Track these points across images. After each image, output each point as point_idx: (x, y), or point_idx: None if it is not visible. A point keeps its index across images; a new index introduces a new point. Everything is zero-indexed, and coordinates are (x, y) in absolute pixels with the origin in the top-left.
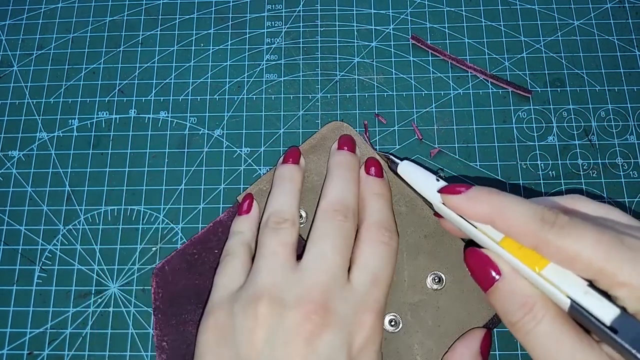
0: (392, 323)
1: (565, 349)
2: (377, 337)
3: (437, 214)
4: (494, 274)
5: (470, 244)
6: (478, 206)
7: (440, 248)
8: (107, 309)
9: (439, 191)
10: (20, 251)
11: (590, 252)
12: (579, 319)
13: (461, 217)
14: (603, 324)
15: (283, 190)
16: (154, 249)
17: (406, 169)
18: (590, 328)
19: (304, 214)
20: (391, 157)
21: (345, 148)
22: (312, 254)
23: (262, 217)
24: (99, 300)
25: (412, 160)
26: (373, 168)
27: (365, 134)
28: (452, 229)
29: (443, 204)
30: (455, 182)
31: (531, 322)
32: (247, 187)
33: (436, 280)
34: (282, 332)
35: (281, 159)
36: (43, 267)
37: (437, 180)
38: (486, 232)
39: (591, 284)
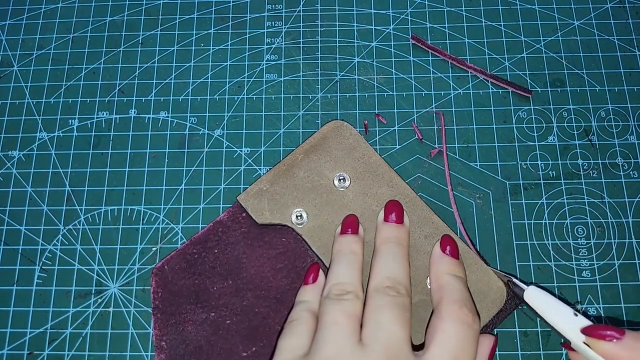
0: None
1: None
2: None
3: (566, 346)
4: None
5: None
6: (638, 358)
7: None
8: (107, 309)
9: (583, 332)
10: (20, 251)
11: None
12: None
13: None
14: None
15: (344, 262)
16: (154, 249)
17: (536, 296)
18: None
19: (304, 215)
20: (514, 280)
21: (394, 218)
22: (370, 328)
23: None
24: (99, 300)
25: (538, 285)
26: (449, 247)
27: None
28: None
29: (585, 343)
30: (591, 318)
31: None
32: (247, 187)
33: None
34: None
35: (339, 228)
36: (43, 267)
37: (575, 314)
38: None
39: None
